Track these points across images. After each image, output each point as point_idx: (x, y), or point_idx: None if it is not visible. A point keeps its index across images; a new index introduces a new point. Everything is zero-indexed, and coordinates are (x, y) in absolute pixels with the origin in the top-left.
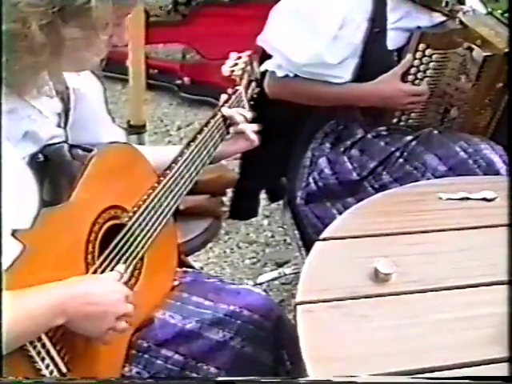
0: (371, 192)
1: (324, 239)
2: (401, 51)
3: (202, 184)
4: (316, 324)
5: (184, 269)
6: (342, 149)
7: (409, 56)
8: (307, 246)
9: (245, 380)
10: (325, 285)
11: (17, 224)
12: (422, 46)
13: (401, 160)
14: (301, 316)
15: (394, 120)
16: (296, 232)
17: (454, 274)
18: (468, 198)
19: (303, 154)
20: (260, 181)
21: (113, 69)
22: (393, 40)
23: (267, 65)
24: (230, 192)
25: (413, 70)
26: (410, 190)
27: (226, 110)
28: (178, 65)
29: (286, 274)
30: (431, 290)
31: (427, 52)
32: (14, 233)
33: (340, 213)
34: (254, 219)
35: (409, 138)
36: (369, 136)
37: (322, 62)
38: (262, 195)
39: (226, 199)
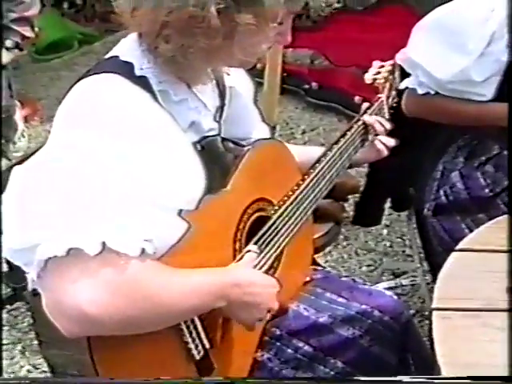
0: (504, 209)
1: (461, 250)
2: None
3: None
4: (452, 331)
5: (314, 266)
6: (476, 164)
7: None
8: (429, 257)
9: (245, 380)
10: (461, 294)
11: (181, 204)
12: None
13: None
14: (437, 321)
15: None
16: (418, 243)
17: None
18: None
19: (434, 167)
20: (387, 189)
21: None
22: None
23: (407, 82)
24: (352, 198)
25: None
26: None
27: (367, 118)
28: (306, 69)
29: (402, 285)
30: None
31: None
32: (180, 212)
33: (469, 228)
34: (373, 228)
35: None
36: (504, 152)
37: (468, 79)
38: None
39: (348, 205)
